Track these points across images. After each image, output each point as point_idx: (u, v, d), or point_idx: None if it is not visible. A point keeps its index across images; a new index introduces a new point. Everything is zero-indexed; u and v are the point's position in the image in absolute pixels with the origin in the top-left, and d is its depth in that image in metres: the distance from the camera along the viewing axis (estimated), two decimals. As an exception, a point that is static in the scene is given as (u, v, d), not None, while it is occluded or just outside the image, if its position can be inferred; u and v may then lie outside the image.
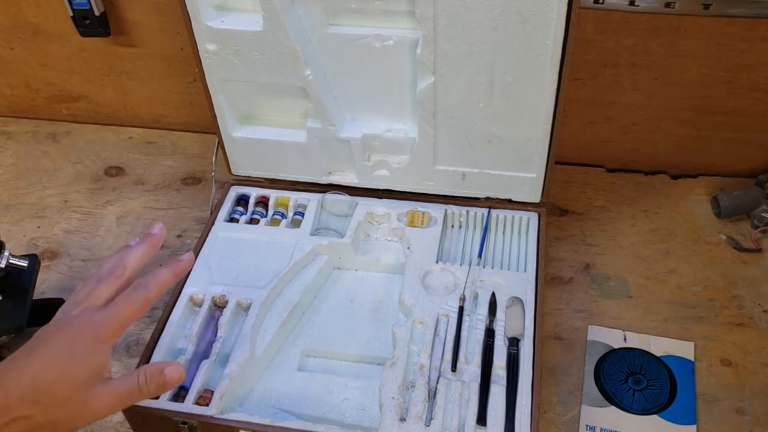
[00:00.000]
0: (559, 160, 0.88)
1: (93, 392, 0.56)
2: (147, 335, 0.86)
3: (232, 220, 0.91)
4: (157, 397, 0.72)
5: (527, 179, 0.87)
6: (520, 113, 0.80)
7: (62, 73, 1.13)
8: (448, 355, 0.75)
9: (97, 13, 1.00)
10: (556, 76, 0.76)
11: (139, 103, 1.15)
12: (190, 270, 0.65)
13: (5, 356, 0.81)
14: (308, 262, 0.86)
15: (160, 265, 0.61)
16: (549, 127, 0.81)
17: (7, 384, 0.53)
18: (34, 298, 0.83)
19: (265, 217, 0.92)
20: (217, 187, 0.97)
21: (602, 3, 0.87)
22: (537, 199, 0.88)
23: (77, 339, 0.56)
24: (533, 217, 0.88)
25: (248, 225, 0.90)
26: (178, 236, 0.99)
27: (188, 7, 0.79)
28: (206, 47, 0.82)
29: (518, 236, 0.89)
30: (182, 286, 0.82)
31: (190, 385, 0.73)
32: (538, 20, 0.72)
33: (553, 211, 0.99)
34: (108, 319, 0.57)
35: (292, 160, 0.91)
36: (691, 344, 0.83)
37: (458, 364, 0.75)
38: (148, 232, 0.63)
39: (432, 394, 0.72)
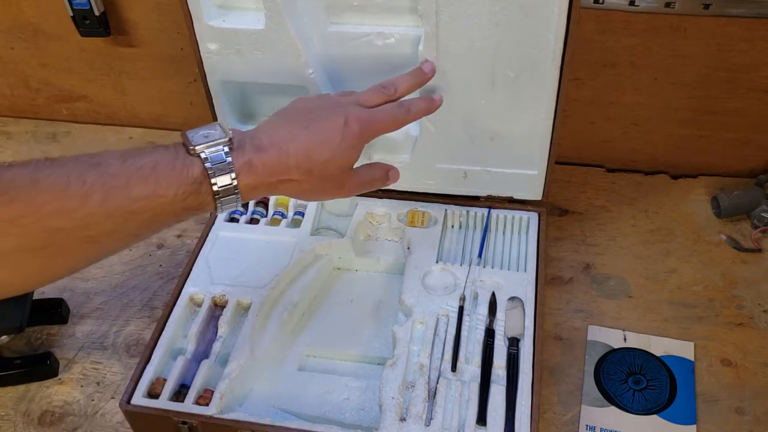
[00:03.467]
0: (559, 160, 0.88)
1: (348, 177, 0.67)
2: (147, 335, 0.86)
3: (232, 219, 0.91)
4: (158, 395, 0.72)
5: (529, 176, 0.86)
6: (521, 109, 0.81)
7: (62, 73, 1.13)
8: (448, 355, 0.75)
9: (97, 13, 1.00)
10: (557, 72, 0.76)
11: (139, 103, 1.15)
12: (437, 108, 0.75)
13: (5, 356, 0.82)
14: (308, 262, 0.86)
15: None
16: (550, 122, 0.81)
17: (288, 149, 0.62)
18: (34, 298, 0.83)
19: (265, 216, 0.92)
20: (217, 187, 0.97)
21: (602, 3, 0.87)
22: (539, 196, 0.88)
23: (347, 129, 0.64)
24: (533, 217, 0.88)
25: (248, 225, 0.90)
26: (178, 236, 0.99)
27: (189, 6, 0.79)
28: (207, 47, 0.82)
29: (518, 236, 0.89)
30: (182, 286, 0.82)
31: (190, 385, 0.73)
32: (540, 15, 0.72)
33: (553, 211, 0.99)
34: (373, 121, 0.67)
35: (292, 160, 0.91)
36: (691, 344, 0.83)
37: (458, 364, 0.75)
38: (419, 68, 0.75)
39: (432, 394, 0.72)
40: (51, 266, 0.55)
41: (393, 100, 0.71)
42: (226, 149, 0.59)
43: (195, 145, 0.58)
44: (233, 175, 0.58)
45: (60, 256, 0.54)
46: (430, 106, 0.74)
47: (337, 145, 0.64)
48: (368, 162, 0.72)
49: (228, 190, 0.59)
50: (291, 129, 0.63)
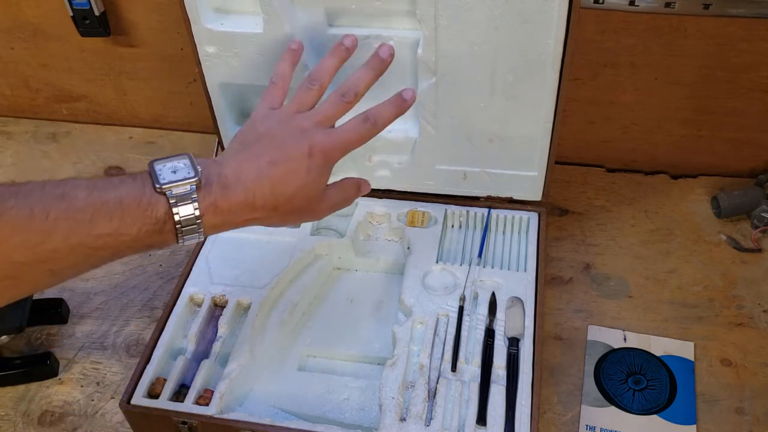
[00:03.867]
0: (559, 160, 0.88)
1: (318, 203, 0.65)
2: (147, 335, 0.86)
3: (232, 220, 0.91)
4: (158, 395, 0.72)
5: (528, 177, 0.87)
6: (521, 112, 0.81)
7: (62, 73, 1.13)
8: (448, 355, 0.75)
9: (97, 13, 1.00)
10: (557, 75, 0.76)
11: (139, 103, 1.15)
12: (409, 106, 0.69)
13: (5, 356, 0.83)
14: (308, 262, 0.86)
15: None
16: (550, 125, 0.81)
17: (253, 189, 0.60)
18: (34, 298, 0.83)
19: (265, 217, 0.92)
20: (217, 187, 0.97)
21: (602, 3, 0.87)
22: (538, 197, 0.88)
23: (312, 161, 0.62)
24: (533, 217, 0.88)
25: (248, 225, 0.90)
26: (178, 236, 0.99)
27: (187, 10, 0.79)
28: (206, 50, 0.82)
29: (518, 236, 0.89)
30: (182, 286, 0.82)
31: (190, 385, 0.73)
32: (540, 19, 0.72)
33: (553, 211, 0.99)
34: (338, 144, 0.64)
35: (292, 160, 0.91)
36: (691, 344, 0.83)
37: (458, 364, 0.75)
38: (376, 54, 0.68)
39: (432, 394, 0.72)
40: (6, 294, 0.54)
41: (354, 103, 0.67)
42: (194, 188, 0.57)
43: (162, 184, 0.56)
44: (198, 213, 0.57)
45: (19, 286, 0.54)
46: (400, 108, 0.68)
47: (303, 180, 0.62)
48: (339, 180, 0.70)
49: (192, 229, 0.58)
50: (256, 164, 0.61)
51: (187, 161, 0.58)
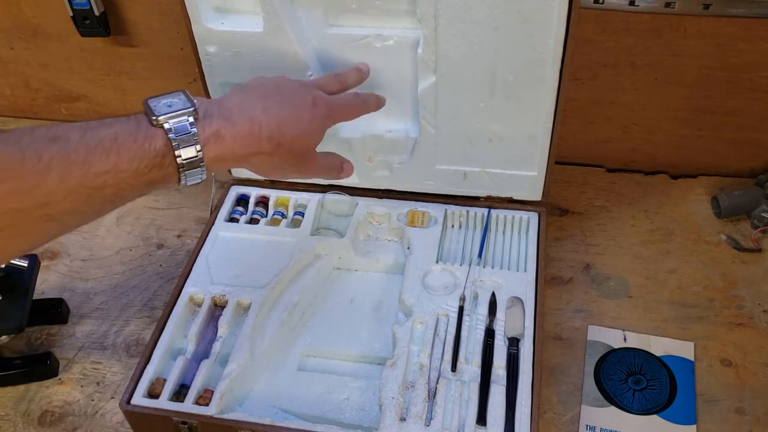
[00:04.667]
0: (559, 160, 0.88)
1: (312, 157, 0.67)
2: (147, 335, 0.86)
3: (232, 220, 0.91)
4: (158, 395, 0.72)
5: (528, 177, 0.87)
6: (521, 112, 0.81)
7: (62, 73, 1.13)
8: (448, 355, 0.75)
9: (97, 13, 1.00)
10: (557, 75, 0.76)
11: (139, 103, 1.11)
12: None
13: (5, 356, 0.83)
14: (308, 262, 0.86)
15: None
16: (550, 125, 0.81)
17: (259, 120, 0.61)
18: (34, 298, 0.83)
19: (265, 217, 0.92)
20: (217, 187, 0.97)
21: (602, 3, 0.87)
22: (538, 197, 0.88)
23: (316, 110, 0.65)
24: (533, 216, 0.88)
25: (248, 225, 0.90)
26: (178, 236, 0.99)
27: (188, 9, 0.79)
28: (206, 49, 0.82)
29: (518, 236, 0.89)
30: (182, 286, 0.82)
31: (190, 385, 0.73)
32: (539, 19, 0.72)
33: (553, 211, 0.99)
34: (337, 106, 0.69)
35: (292, 160, 0.91)
36: (691, 344, 0.83)
37: (458, 364, 0.75)
38: (358, 68, 0.77)
39: (432, 394, 0.72)
40: (10, 246, 0.53)
41: (345, 89, 0.72)
42: (191, 119, 0.57)
43: (158, 116, 0.56)
44: (198, 147, 0.56)
45: (19, 236, 0.52)
46: (379, 102, 0.76)
47: (308, 123, 0.64)
48: (328, 151, 0.73)
49: (193, 163, 0.57)
50: (261, 101, 0.62)
51: (182, 96, 0.58)
